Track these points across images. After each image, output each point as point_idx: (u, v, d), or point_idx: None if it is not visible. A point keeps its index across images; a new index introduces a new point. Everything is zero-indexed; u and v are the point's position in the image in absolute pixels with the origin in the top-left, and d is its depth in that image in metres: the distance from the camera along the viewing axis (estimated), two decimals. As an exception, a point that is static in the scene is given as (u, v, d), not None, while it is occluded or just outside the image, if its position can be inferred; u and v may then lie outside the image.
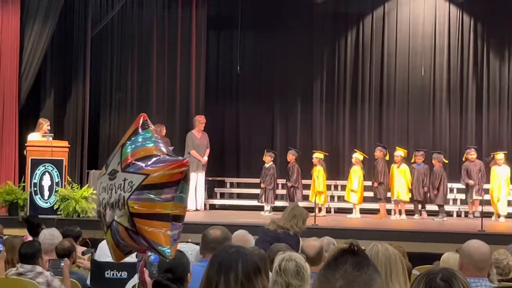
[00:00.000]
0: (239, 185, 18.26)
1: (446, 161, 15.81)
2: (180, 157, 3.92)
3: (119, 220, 3.76)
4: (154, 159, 3.82)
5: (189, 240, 11.11)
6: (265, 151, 16.34)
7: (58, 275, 6.73)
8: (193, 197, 15.75)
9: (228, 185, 18.10)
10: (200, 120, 16.12)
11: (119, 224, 3.76)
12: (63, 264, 6.82)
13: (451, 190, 16.54)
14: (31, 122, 15.26)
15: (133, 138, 3.93)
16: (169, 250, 3.71)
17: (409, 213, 15.54)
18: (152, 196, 3.70)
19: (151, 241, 3.72)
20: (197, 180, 15.87)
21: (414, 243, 11.67)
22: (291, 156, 16.09)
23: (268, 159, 16.16)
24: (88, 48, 16.40)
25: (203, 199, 16.30)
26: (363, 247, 6.92)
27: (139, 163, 3.80)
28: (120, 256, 3.90)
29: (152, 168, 3.75)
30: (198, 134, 16.08)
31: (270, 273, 4.72)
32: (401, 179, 15.31)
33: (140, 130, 3.96)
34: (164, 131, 15.83)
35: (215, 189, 17.18)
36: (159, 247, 3.71)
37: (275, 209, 16.04)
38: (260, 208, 16.50)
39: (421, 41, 17.79)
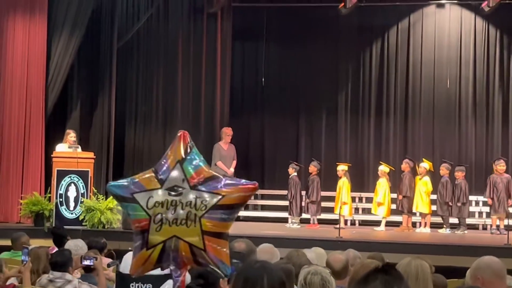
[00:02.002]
0: (263, 197, 18.23)
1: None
2: (245, 180, 3.99)
3: (182, 236, 3.78)
4: (223, 180, 3.88)
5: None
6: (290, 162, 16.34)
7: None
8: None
9: (252, 196, 18.05)
10: (227, 132, 16.13)
11: (182, 241, 3.78)
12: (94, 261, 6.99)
13: (477, 203, 16.43)
14: (58, 133, 15.37)
15: (189, 157, 3.96)
16: (228, 267, 3.82)
17: (434, 226, 15.43)
18: (225, 216, 3.79)
19: (216, 259, 3.80)
20: None
21: (438, 256, 11.57)
22: (312, 168, 16.06)
23: (290, 171, 16.14)
24: (114, 59, 16.50)
25: None
26: (387, 260, 6.89)
27: (210, 182, 3.85)
28: (143, 271, 3.93)
29: (227, 189, 3.82)
30: (225, 146, 16.09)
31: (295, 286, 4.73)
32: (422, 192, 15.21)
33: (189, 149, 4.01)
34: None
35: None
36: (222, 264, 3.81)
37: (302, 221, 16.06)
38: (285, 220, 16.51)
39: (447, 53, 17.72)
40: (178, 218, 3.81)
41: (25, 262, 7.20)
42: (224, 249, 3.83)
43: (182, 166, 3.93)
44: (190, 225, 3.78)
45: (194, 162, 3.95)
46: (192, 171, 3.90)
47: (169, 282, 4.48)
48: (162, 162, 4.01)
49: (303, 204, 16.31)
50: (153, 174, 3.99)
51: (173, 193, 3.85)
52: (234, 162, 16.10)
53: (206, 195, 3.82)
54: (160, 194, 3.89)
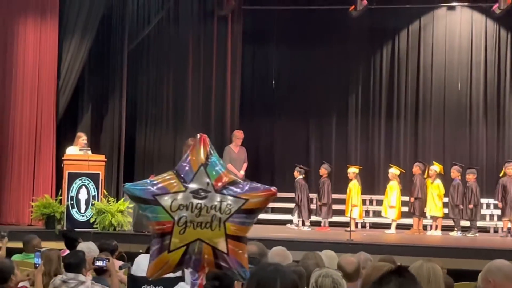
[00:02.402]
0: (273, 199, 18.19)
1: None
2: (270, 186, 4.02)
3: (206, 239, 3.80)
4: (245, 184, 3.95)
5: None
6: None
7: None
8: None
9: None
10: (237, 136, 16.13)
11: (206, 244, 3.80)
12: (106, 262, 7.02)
13: (488, 206, 16.38)
14: (69, 136, 15.41)
15: (211, 161, 4.00)
16: (247, 272, 3.85)
17: (446, 228, 15.39)
18: (247, 220, 3.87)
19: (237, 262, 3.85)
20: None
21: (450, 259, 11.54)
22: (323, 170, 16.04)
23: (296, 174, 16.12)
24: (125, 63, 16.55)
25: None
26: (398, 263, 6.88)
27: (234, 187, 3.91)
28: (160, 274, 3.93)
29: (250, 193, 3.90)
30: (235, 149, 16.10)
31: (306, 288, 4.73)
32: (435, 195, 15.18)
33: (211, 153, 4.06)
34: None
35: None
36: (241, 268, 3.86)
37: (312, 223, 16.07)
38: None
39: (458, 55, 17.69)
40: (203, 221, 3.82)
41: (37, 265, 7.22)
42: (244, 253, 3.88)
43: (206, 170, 3.95)
44: (215, 229, 3.81)
45: (216, 167, 3.99)
46: (216, 175, 3.93)
47: (181, 285, 4.50)
48: (184, 165, 4.00)
49: (312, 206, 16.31)
50: (175, 177, 3.97)
51: (198, 196, 3.86)
52: (245, 165, 16.10)
53: (230, 199, 3.85)
54: (184, 197, 3.90)
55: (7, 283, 6.94)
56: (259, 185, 4.06)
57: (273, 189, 4.06)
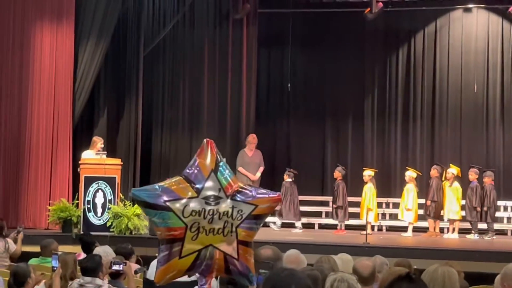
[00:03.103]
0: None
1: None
2: (275, 192, 4.09)
3: (218, 245, 3.82)
4: (253, 190, 3.98)
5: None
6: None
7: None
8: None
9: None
10: (250, 140, 16.16)
11: (218, 250, 3.83)
12: (123, 266, 7.03)
13: (505, 208, 16.29)
14: (85, 140, 15.47)
15: (220, 167, 4.01)
16: (254, 276, 3.88)
17: (462, 231, 15.30)
18: (255, 225, 3.90)
19: (247, 268, 3.88)
20: None
21: (467, 262, 11.46)
22: (337, 173, 15.99)
23: (285, 177, 16.07)
24: (141, 66, 16.60)
25: None
26: (415, 266, 6.84)
27: (244, 193, 3.93)
28: (168, 280, 3.94)
29: (259, 199, 3.92)
30: (249, 153, 16.12)
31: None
32: (453, 198, 15.10)
33: (219, 159, 4.07)
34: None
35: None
36: (250, 273, 3.89)
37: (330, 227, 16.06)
38: (312, 226, 16.54)
39: (474, 57, 17.61)
40: (215, 227, 3.84)
41: (55, 268, 7.25)
42: (251, 257, 3.90)
43: (216, 176, 3.96)
44: (227, 234, 3.83)
45: (225, 172, 4.00)
46: (226, 181, 3.95)
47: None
48: (194, 170, 4.01)
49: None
50: (185, 182, 3.98)
51: (210, 202, 3.88)
52: (261, 168, 16.09)
53: (241, 205, 3.88)
54: (197, 203, 3.90)
55: (24, 286, 7.00)
56: (265, 191, 4.10)
57: (278, 195, 4.11)
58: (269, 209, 3.99)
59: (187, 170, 4.06)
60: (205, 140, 4.15)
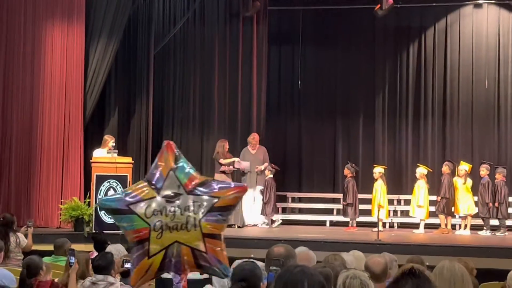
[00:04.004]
0: (301, 200, 18.22)
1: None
2: (240, 183, 4.15)
3: (183, 241, 3.88)
4: (215, 183, 4.03)
5: (252, 255, 11.14)
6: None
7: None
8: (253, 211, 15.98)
9: (290, 199, 18.07)
10: (250, 140, 16.21)
11: (183, 245, 3.88)
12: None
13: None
14: (96, 139, 15.51)
15: (179, 165, 4.09)
16: (228, 268, 3.92)
17: (474, 228, 15.26)
18: (221, 217, 3.93)
19: (218, 260, 3.92)
20: (254, 195, 16.01)
21: (479, 258, 11.44)
22: (347, 170, 15.97)
23: (267, 173, 16.03)
24: (151, 65, 16.62)
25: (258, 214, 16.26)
26: (427, 263, 6.83)
27: (204, 187, 3.98)
28: (144, 281, 4.00)
29: (221, 191, 3.96)
30: (252, 150, 16.17)
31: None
32: (466, 194, 15.07)
33: (178, 157, 4.15)
34: (227, 146, 15.98)
35: (277, 204, 17.12)
36: (222, 265, 3.92)
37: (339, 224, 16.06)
38: (323, 223, 16.55)
39: (485, 54, 17.55)
40: (178, 223, 3.90)
41: (71, 263, 7.30)
42: (222, 250, 3.95)
43: (175, 173, 4.04)
44: (191, 229, 3.88)
45: (185, 170, 4.07)
46: (186, 177, 4.02)
47: (207, 287, 4.52)
48: (154, 172, 4.11)
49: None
50: (147, 185, 4.07)
51: (170, 199, 3.95)
52: (266, 164, 16.09)
53: (203, 198, 3.93)
54: (157, 202, 3.98)
55: (36, 277, 7.10)
56: (228, 182, 4.21)
57: (243, 185, 4.16)
58: (234, 200, 4.01)
59: (149, 173, 4.15)
60: (164, 141, 4.22)
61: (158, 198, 4.00)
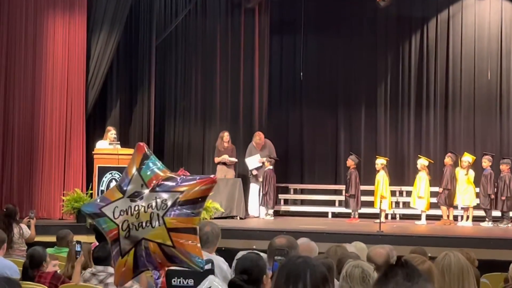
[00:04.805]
0: (303, 191, 18.23)
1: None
2: (206, 175, 4.21)
3: (150, 237, 3.99)
4: (179, 178, 4.13)
5: (254, 246, 11.17)
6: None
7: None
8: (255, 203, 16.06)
9: (292, 191, 18.08)
10: (256, 142, 16.29)
11: (150, 241, 4.00)
12: None
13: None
14: (98, 130, 15.53)
15: (146, 164, 4.21)
16: (202, 260, 4.02)
17: (476, 219, 15.25)
18: (188, 211, 4.00)
19: (188, 253, 4.00)
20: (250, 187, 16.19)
21: (481, 250, 11.45)
22: (350, 161, 15.97)
23: (266, 164, 16.05)
24: (153, 56, 16.62)
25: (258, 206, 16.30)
26: (429, 254, 6.84)
27: (168, 183, 4.08)
28: (125, 280, 4.08)
29: (184, 186, 4.05)
30: (258, 146, 16.27)
31: (336, 281, 4.73)
32: (467, 186, 15.05)
33: (147, 157, 4.26)
34: (227, 138, 16.03)
35: (279, 195, 17.13)
36: (195, 258, 4.00)
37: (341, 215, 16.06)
38: (325, 215, 16.57)
39: (487, 45, 17.51)
40: (143, 221, 4.01)
41: (78, 255, 7.34)
42: (195, 243, 4.01)
43: (140, 173, 4.17)
44: (155, 225, 3.98)
45: (151, 168, 4.19)
46: (150, 175, 4.14)
47: (210, 278, 4.53)
48: (123, 175, 4.27)
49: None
50: (116, 187, 4.23)
51: (134, 199, 4.09)
52: (262, 159, 16.16)
53: (165, 195, 4.04)
54: (123, 203, 4.12)
55: (39, 268, 7.15)
56: (193, 176, 4.24)
57: (210, 177, 4.22)
58: (201, 192, 4.06)
59: (121, 177, 4.30)
60: (136, 144, 4.33)
61: (124, 198, 4.12)
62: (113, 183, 14.04)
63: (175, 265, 4.13)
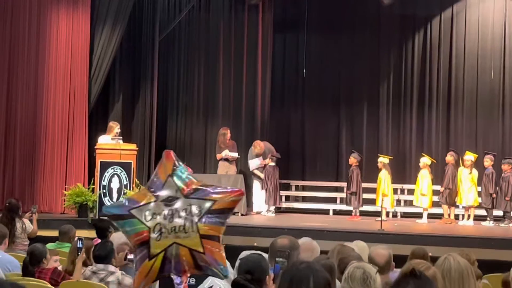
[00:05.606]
0: (304, 188, 18.24)
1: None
2: (233, 188, 4.31)
3: (182, 242, 4.07)
4: (212, 188, 4.22)
5: (255, 243, 11.18)
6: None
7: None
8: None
9: (293, 188, 18.08)
10: (257, 152, 16.25)
11: (182, 246, 4.07)
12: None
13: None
14: (100, 126, 15.55)
15: (177, 172, 4.27)
16: (225, 268, 4.12)
17: (477, 218, 15.24)
18: (217, 220, 4.11)
19: (215, 260, 4.09)
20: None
21: (482, 250, 11.46)
22: (352, 159, 15.97)
23: (268, 161, 16.06)
24: (156, 52, 16.63)
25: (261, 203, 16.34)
26: (430, 254, 6.84)
27: (201, 190, 4.18)
28: (146, 283, 4.14)
29: (217, 195, 4.16)
30: (259, 155, 16.32)
31: (338, 281, 4.75)
32: (471, 185, 15.02)
33: (176, 165, 4.32)
34: (229, 134, 16.05)
35: (280, 192, 17.14)
36: (220, 266, 4.09)
37: (344, 213, 16.07)
38: (326, 212, 16.58)
39: (491, 43, 17.48)
40: (176, 225, 4.09)
41: (79, 252, 7.35)
42: (220, 251, 4.13)
43: (173, 179, 4.23)
44: (188, 231, 4.07)
45: (183, 175, 4.27)
46: (182, 183, 4.22)
47: (212, 276, 4.56)
48: (154, 179, 4.29)
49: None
50: (147, 190, 4.26)
51: (168, 203, 4.15)
52: (267, 160, 16.18)
53: (199, 202, 4.13)
54: (156, 206, 4.16)
55: (39, 265, 7.17)
56: (225, 187, 4.35)
57: (239, 190, 4.33)
58: (232, 203, 4.20)
59: (150, 180, 4.33)
60: (164, 152, 4.39)
61: (157, 202, 4.17)
62: (115, 178, 14.12)
63: (200, 272, 4.21)
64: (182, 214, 4.10)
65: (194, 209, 4.11)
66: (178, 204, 4.13)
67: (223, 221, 4.16)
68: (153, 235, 4.09)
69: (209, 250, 4.09)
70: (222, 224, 4.16)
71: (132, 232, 4.17)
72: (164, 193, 4.19)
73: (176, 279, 4.15)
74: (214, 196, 4.16)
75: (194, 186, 4.21)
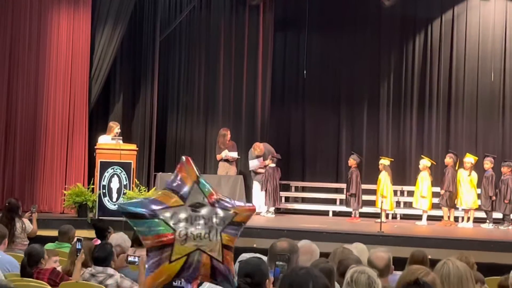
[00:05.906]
0: (304, 189, 18.23)
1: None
2: (249, 204, 4.48)
3: (205, 249, 4.13)
4: (232, 200, 4.33)
5: (254, 245, 11.18)
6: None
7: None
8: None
9: (293, 189, 18.07)
10: (257, 154, 16.24)
11: (205, 253, 4.13)
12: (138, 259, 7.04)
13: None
14: (100, 125, 15.54)
15: (201, 180, 4.33)
16: (233, 279, 4.25)
17: (477, 220, 15.23)
18: (235, 232, 4.23)
19: (228, 270, 4.18)
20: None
21: (481, 252, 11.46)
22: (352, 161, 15.94)
23: (268, 162, 16.06)
24: (157, 52, 16.61)
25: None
26: (429, 256, 6.84)
27: (225, 202, 4.28)
28: (160, 284, 4.15)
29: (238, 208, 4.28)
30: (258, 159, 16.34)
31: (336, 284, 4.75)
32: (470, 188, 15.01)
33: (198, 171, 4.38)
34: (229, 135, 16.06)
35: (280, 193, 17.11)
36: (231, 276, 4.20)
37: (344, 214, 16.07)
38: (326, 213, 16.56)
39: (491, 46, 17.48)
40: (202, 232, 4.15)
41: (78, 253, 7.34)
42: (232, 261, 4.25)
43: (199, 186, 4.29)
44: (213, 239, 4.15)
45: (206, 185, 4.35)
46: (208, 191, 4.29)
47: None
48: (178, 182, 4.30)
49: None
50: (172, 193, 4.27)
51: (196, 209, 4.20)
52: (268, 160, 16.18)
53: (224, 212, 4.23)
54: (183, 210, 4.20)
55: (37, 266, 7.16)
56: (243, 201, 4.69)
57: (253, 205, 4.49)
58: (247, 218, 4.30)
59: (171, 184, 4.33)
60: (183, 157, 4.40)
61: (185, 206, 4.20)
62: (115, 178, 14.12)
63: (212, 281, 4.26)
64: (208, 221, 4.17)
65: (219, 218, 4.19)
66: (204, 211, 4.19)
67: (238, 233, 4.26)
68: (179, 239, 4.11)
69: (226, 260, 4.17)
70: (237, 235, 4.26)
71: (153, 233, 4.15)
72: (191, 198, 4.22)
73: (185, 285, 4.17)
74: (236, 208, 4.26)
75: (218, 196, 4.30)
